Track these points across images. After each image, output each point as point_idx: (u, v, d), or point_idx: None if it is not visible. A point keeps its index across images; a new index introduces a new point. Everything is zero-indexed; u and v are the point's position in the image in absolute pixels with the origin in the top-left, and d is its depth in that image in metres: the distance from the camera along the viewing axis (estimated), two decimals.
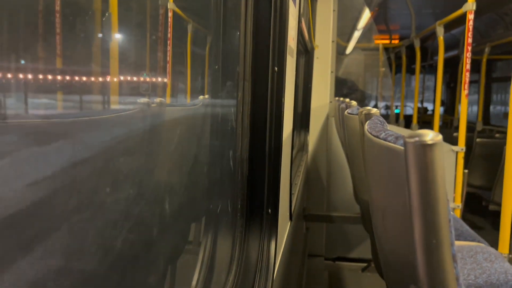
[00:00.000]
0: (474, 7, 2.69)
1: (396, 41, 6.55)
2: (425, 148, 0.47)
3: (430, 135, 0.48)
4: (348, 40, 5.86)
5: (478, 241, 1.77)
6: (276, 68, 1.02)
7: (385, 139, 0.61)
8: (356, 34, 5.77)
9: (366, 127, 0.83)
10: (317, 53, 3.30)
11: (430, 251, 0.49)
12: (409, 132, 0.51)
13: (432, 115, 7.84)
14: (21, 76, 0.48)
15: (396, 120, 5.91)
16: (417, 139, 0.48)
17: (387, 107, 8.21)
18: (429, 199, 0.48)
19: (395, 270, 0.72)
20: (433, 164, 0.47)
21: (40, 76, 0.53)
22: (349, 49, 6.08)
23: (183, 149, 1.04)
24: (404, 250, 0.59)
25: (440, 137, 0.48)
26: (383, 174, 0.66)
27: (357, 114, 1.22)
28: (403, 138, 0.51)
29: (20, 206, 0.43)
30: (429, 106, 9.47)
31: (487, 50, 5.35)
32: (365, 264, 3.22)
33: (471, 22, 2.70)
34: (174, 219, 0.97)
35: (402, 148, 0.52)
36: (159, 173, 0.91)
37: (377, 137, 0.65)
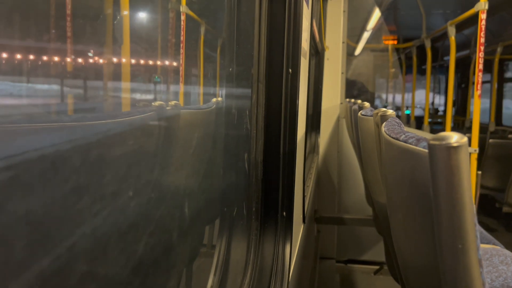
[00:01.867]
0: (487, 7, 2.66)
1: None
2: (450, 151, 0.46)
3: (455, 137, 0.47)
4: (357, 41, 5.84)
5: (493, 244, 1.74)
6: (290, 70, 1.01)
7: (405, 142, 0.60)
8: (366, 35, 5.74)
9: (383, 129, 0.82)
10: (327, 55, 3.29)
11: (456, 256, 0.47)
12: (426, 134, 0.50)
13: (443, 115, 7.78)
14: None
15: (407, 121, 5.87)
16: (442, 141, 0.47)
17: (397, 108, 8.16)
18: (455, 203, 0.46)
19: (415, 275, 0.71)
20: (459, 167, 0.46)
21: (55, 79, 0.53)
22: (358, 50, 6.05)
23: (197, 151, 1.04)
24: (426, 255, 0.58)
25: (465, 139, 0.47)
26: (403, 176, 0.65)
27: (371, 116, 1.21)
28: (427, 140, 0.50)
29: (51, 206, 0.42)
30: (439, 107, 9.40)
31: (499, 50, 5.29)
32: (377, 267, 3.20)
33: (483, 22, 2.67)
34: (190, 222, 0.97)
35: (426, 150, 0.51)
36: (175, 176, 0.91)
37: (397, 139, 0.64)
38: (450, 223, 0.47)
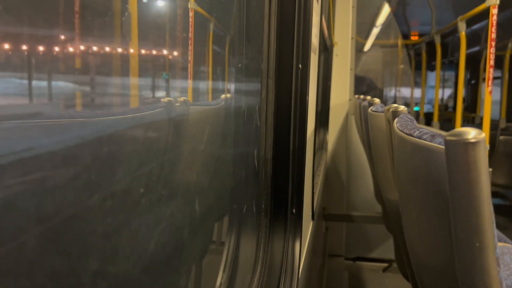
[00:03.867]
0: (498, 1, 2.62)
1: (416, 38, 6.44)
2: (468, 147, 0.45)
3: (473, 133, 0.46)
4: (366, 37, 5.79)
5: (505, 242, 1.72)
6: (300, 66, 1.00)
7: (420, 138, 0.58)
8: (375, 31, 5.70)
9: (395, 125, 0.80)
10: (336, 50, 3.27)
11: (473, 255, 0.46)
12: (436, 130, 0.49)
13: (453, 112, 7.70)
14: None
15: (416, 117, 5.82)
16: (459, 137, 0.46)
17: (406, 105, 8.09)
18: (472, 200, 0.45)
19: (429, 274, 0.69)
20: (477, 163, 0.45)
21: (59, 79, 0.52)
22: (367, 46, 6.01)
23: (206, 148, 1.03)
24: (441, 253, 0.56)
25: (483, 135, 0.46)
26: (417, 173, 0.64)
27: (382, 112, 1.19)
28: (443, 136, 0.49)
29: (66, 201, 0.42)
30: (449, 103, 9.31)
31: (510, 45, 5.22)
32: (386, 265, 3.18)
33: (494, 17, 2.63)
34: (199, 219, 0.97)
35: (441, 147, 0.50)
36: (184, 173, 0.91)
37: (411, 135, 0.63)
38: (467, 220, 0.46)
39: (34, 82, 0.45)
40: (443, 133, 0.52)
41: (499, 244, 1.66)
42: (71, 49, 0.54)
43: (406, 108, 0.98)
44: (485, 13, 2.75)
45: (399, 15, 6.24)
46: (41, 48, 0.46)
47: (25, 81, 0.44)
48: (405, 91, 8.03)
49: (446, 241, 0.51)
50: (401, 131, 0.70)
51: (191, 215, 0.94)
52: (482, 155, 0.45)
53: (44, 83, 0.49)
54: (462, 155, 0.45)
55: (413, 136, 0.61)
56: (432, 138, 0.54)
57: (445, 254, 0.53)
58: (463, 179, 0.46)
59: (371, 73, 6.47)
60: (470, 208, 0.46)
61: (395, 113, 0.95)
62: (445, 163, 0.48)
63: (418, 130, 0.62)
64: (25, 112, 0.45)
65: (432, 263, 0.66)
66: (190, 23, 1.42)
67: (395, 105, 1.01)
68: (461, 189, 0.46)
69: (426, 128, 0.63)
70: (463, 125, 6.17)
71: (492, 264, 0.46)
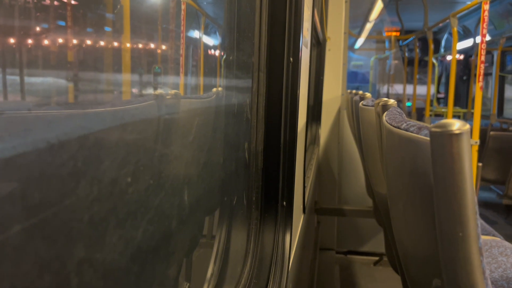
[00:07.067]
0: None
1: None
2: (452, 138, 0.46)
3: (457, 125, 0.46)
4: (359, 32, 5.81)
5: (493, 235, 1.75)
6: (291, 59, 1.00)
7: (407, 130, 0.59)
8: (368, 26, 5.71)
9: (384, 118, 0.81)
10: (329, 45, 3.27)
11: (456, 244, 0.47)
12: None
13: (445, 107, 7.73)
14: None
15: (408, 113, 5.86)
16: (444, 129, 0.46)
17: (398, 100, 8.13)
18: (456, 190, 0.46)
19: (415, 264, 0.71)
20: (461, 154, 0.46)
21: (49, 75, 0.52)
22: (360, 41, 6.02)
23: (197, 141, 1.03)
24: (427, 244, 0.58)
25: (467, 126, 0.47)
26: (404, 165, 0.64)
27: (372, 106, 1.20)
28: (429, 128, 0.50)
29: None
30: (441, 99, 9.37)
31: (501, 42, 5.26)
32: (377, 258, 3.21)
33: (486, 13, 2.65)
34: (189, 211, 0.97)
35: (427, 138, 0.50)
36: (174, 165, 0.91)
37: (398, 128, 0.64)
38: (450, 210, 0.47)
39: (19, 77, 0.45)
40: (430, 125, 0.53)
41: (488, 237, 1.68)
42: (60, 41, 0.54)
43: (396, 102, 0.99)
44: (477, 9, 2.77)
45: (392, 11, 6.26)
46: (28, 40, 0.46)
47: (14, 77, 0.44)
48: (398, 87, 8.05)
49: (430, 231, 0.52)
50: (389, 124, 0.71)
51: (182, 208, 0.94)
52: (466, 146, 0.46)
53: (33, 78, 0.49)
54: (446, 146, 0.46)
55: (400, 129, 0.62)
56: (419, 130, 0.55)
57: (430, 244, 0.54)
58: (447, 170, 0.46)
59: (363, 68, 6.49)
60: (453, 198, 0.46)
61: (385, 107, 0.96)
62: (430, 154, 0.48)
63: (406, 122, 0.63)
64: (14, 106, 0.45)
65: (418, 254, 0.67)
66: (182, 16, 1.42)
67: (385, 99, 1.02)
68: (445, 180, 0.47)
69: (414, 122, 0.63)
70: None
71: (475, 253, 0.47)
